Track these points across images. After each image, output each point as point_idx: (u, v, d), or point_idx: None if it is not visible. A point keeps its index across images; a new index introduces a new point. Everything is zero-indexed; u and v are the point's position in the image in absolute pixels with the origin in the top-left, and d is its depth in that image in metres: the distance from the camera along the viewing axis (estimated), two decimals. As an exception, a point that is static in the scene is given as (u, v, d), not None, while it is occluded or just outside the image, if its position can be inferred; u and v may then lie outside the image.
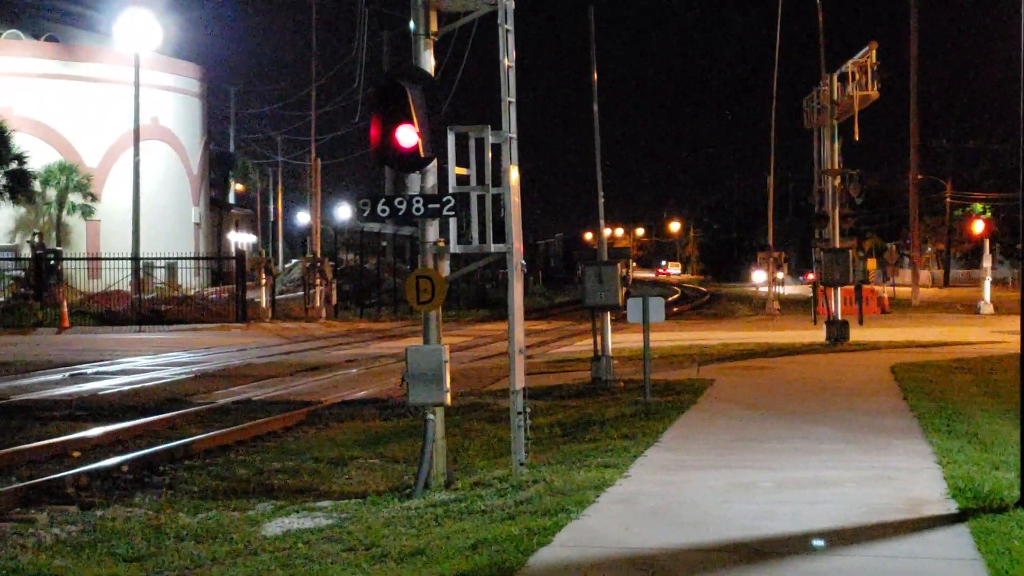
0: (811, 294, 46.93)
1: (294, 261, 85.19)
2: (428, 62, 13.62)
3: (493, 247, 13.57)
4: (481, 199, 13.55)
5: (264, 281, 59.63)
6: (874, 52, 34.07)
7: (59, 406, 22.87)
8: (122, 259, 57.10)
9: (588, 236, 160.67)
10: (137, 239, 57.34)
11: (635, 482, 12.99)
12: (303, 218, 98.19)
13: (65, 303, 51.16)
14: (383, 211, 13.54)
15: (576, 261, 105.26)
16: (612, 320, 24.80)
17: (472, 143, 13.53)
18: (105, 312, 53.68)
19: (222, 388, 25.93)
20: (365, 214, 13.79)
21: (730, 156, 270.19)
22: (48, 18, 75.21)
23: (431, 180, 13.57)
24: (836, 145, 34.57)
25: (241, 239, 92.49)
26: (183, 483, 14.86)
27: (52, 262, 57.25)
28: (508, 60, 13.71)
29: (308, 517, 12.26)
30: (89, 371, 30.37)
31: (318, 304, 57.71)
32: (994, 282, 57.12)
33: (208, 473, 15.56)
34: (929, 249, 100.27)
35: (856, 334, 34.42)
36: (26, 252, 61.75)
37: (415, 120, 12.96)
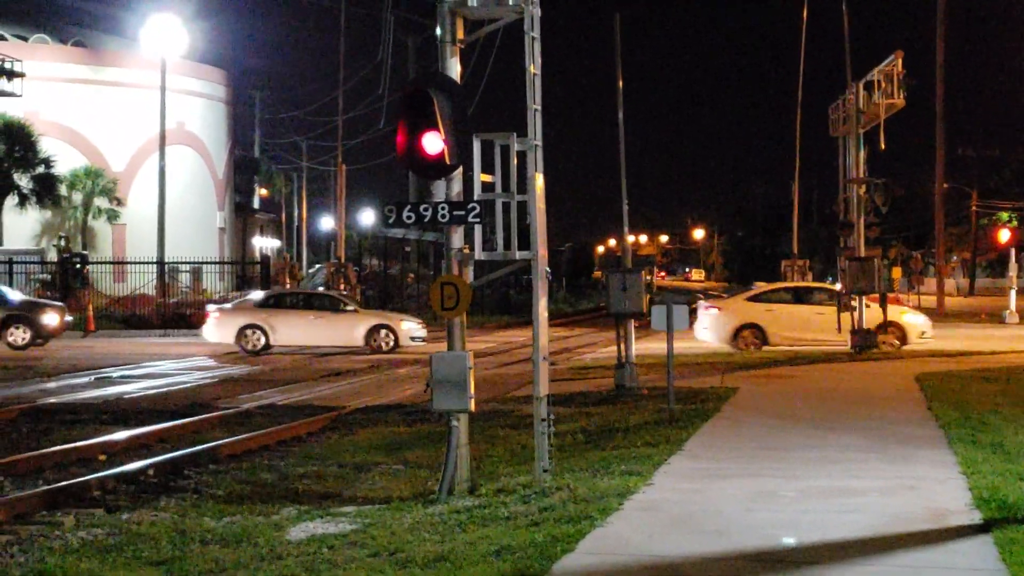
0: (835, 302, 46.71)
1: (318, 266, 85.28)
2: (454, 69, 13.66)
3: (518, 254, 13.59)
4: (506, 206, 13.58)
5: (288, 286, 59.75)
6: (900, 60, 34.01)
7: (85, 409, 22.97)
8: (147, 263, 57.31)
9: (600, 247, 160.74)
10: (162, 243, 57.55)
11: (659, 490, 13.00)
12: (327, 223, 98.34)
13: (91, 307, 51.37)
14: (409, 218, 13.58)
15: (583, 272, 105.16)
16: (635, 327, 24.79)
17: (497, 150, 13.56)
18: (130, 316, 53.90)
19: (247, 392, 26.02)
20: (390, 220, 13.83)
21: (755, 163, 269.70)
22: (75, 23, 75.54)
23: (456, 187, 13.60)
24: (862, 153, 34.51)
25: (266, 244, 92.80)
26: (208, 487, 14.91)
27: (78, 266, 57.48)
28: (534, 67, 13.74)
29: (332, 522, 12.29)
30: (114, 375, 30.50)
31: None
32: (1020, 291, 56.85)
33: (233, 477, 15.61)
34: (955, 258, 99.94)
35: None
36: (52, 256, 62.01)
37: (441, 127, 13.00)
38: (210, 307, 41.24)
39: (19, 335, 40.62)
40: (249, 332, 38.05)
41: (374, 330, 38.46)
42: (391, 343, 38.35)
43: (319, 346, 38.88)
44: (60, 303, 44.95)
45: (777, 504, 12.19)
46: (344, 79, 66.50)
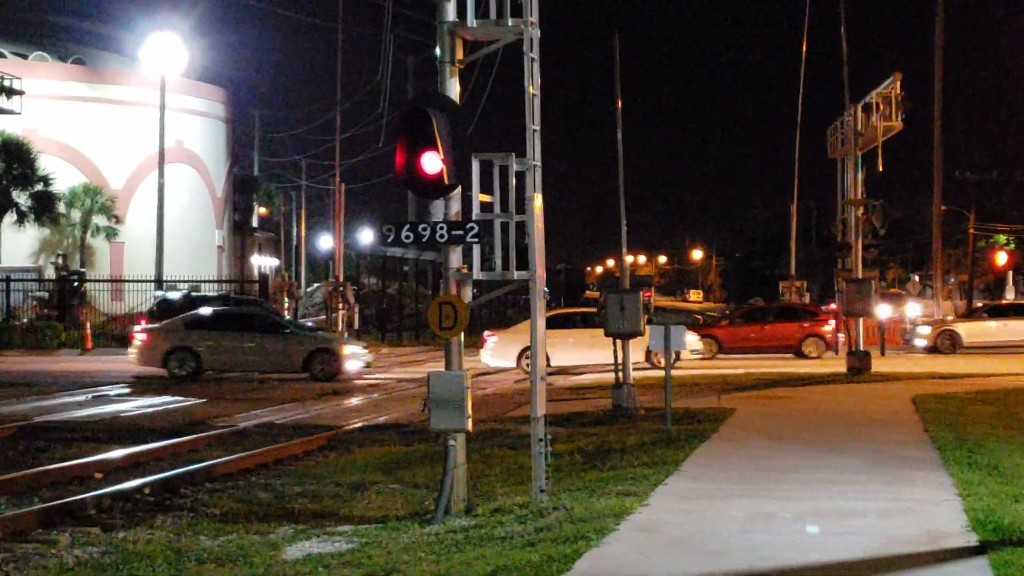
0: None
1: (316, 285, 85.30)
2: (453, 89, 13.69)
3: (516, 274, 13.61)
4: (504, 226, 13.61)
5: (287, 305, 59.78)
6: (898, 83, 34.07)
7: (81, 428, 22.96)
8: (145, 281, 57.34)
9: (590, 268, 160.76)
10: (160, 262, 57.58)
11: (656, 511, 12.99)
12: (326, 242, 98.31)
13: (88, 325, 51.37)
14: (407, 237, 13.60)
15: (574, 292, 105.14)
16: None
17: (496, 170, 13.59)
18: (128, 334, 53.85)
19: (243, 411, 26.00)
20: (389, 240, 13.85)
21: (754, 184, 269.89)
22: (75, 41, 75.63)
23: (455, 206, 13.62)
24: (860, 175, 34.55)
25: (264, 262, 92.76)
26: (204, 506, 14.90)
27: (76, 284, 57.53)
28: (533, 88, 13.78)
29: (328, 541, 12.28)
30: (111, 393, 30.49)
31: (340, 328, 57.77)
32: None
33: (229, 496, 15.59)
34: (952, 280, 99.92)
35: (878, 365, 34.33)
36: (50, 273, 62.05)
37: (440, 147, 13.02)
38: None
39: None
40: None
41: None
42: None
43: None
44: None
45: (774, 526, 12.18)
46: (343, 98, 66.67)
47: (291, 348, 35.44)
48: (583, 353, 36.80)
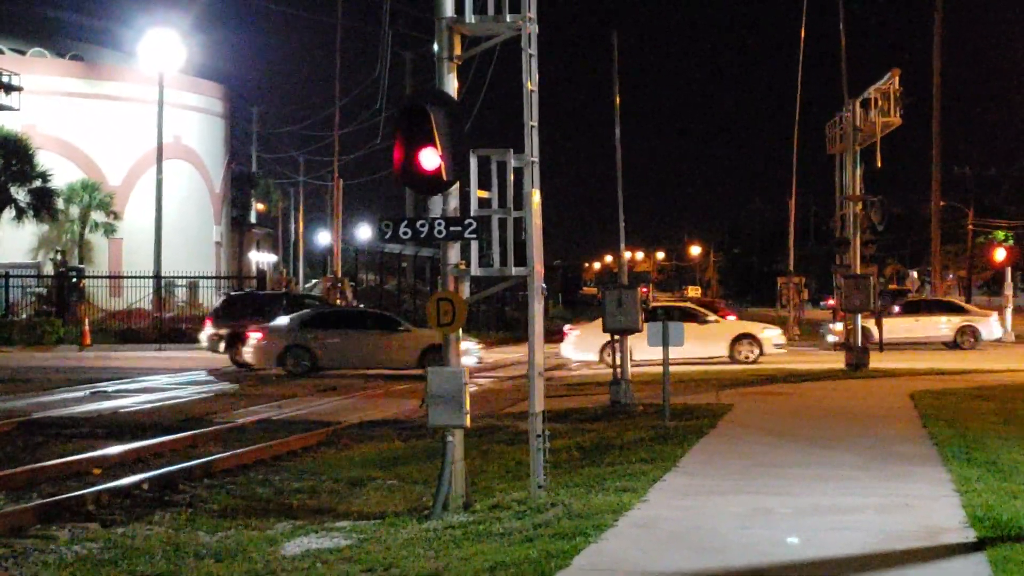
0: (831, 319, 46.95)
1: (314, 281, 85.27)
2: (451, 85, 13.69)
3: (514, 270, 13.62)
4: (502, 222, 13.61)
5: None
6: (897, 79, 34.07)
7: (80, 423, 22.97)
8: (144, 277, 57.33)
9: (587, 264, 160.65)
10: (159, 258, 57.58)
11: (654, 506, 13.01)
12: (324, 238, 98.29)
13: (87, 321, 51.36)
14: (405, 233, 13.60)
15: (571, 289, 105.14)
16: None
17: (494, 166, 13.59)
18: (126, 330, 53.89)
19: (242, 407, 26.01)
20: (387, 236, 13.85)
21: (752, 180, 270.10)
22: (73, 37, 75.58)
23: (453, 203, 13.62)
24: (858, 171, 34.55)
25: (262, 258, 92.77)
26: (203, 502, 14.91)
27: (74, 280, 57.52)
28: (531, 84, 13.77)
29: (327, 537, 12.29)
30: (110, 389, 30.50)
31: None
32: (1016, 310, 56.91)
33: (228, 492, 15.60)
34: (951, 276, 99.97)
35: (876, 360, 34.33)
36: (48, 269, 62.04)
37: (438, 143, 13.03)
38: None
39: None
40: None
41: None
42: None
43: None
44: None
45: (772, 521, 12.19)
46: (341, 94, 66.70)
47: (407, 344, 35.57)
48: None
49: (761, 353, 37.66)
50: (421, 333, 35.70)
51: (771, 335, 38.42)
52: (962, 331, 46.54)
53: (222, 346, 38.48)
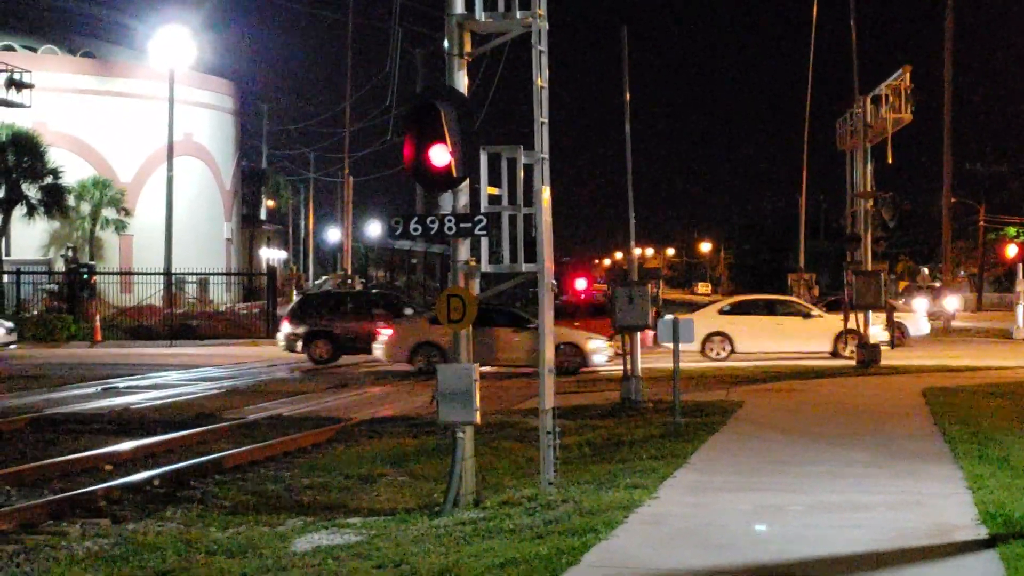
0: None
1: (324, 278, 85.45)
2: (461, 82, 13.69)
3: (524, 267, 13.62)
4: (513, 219, 13.61)
5: (295, 297, 59.80)
6: (908, 75, 33.99)
7: (91, 420, 23.00)
8: (154, 274, 57.36)
9: (597, 260, 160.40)
10: (169, 254, 57.58)
11: (664, 503, 13.00)
12: (334, 235, 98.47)
13: (98, 317, 51.40)
14: (415, 230, 13.60)
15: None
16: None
17: (504, 163, 13.59)
18: (137, 326, 53.95)
19: (253, 404, 26.02)
20: (397, 232, 13.85)
21: (763, 177, 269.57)
22: (84, 34, 75.65)
23: (463, 199, 13.62)
24: (869, 167, 34.49)
25: (272, 255, 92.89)
26: (214, 498, 14.92)
27: (85, 276, 57.54)
28: (541, 81, 13.77)
29: (337, 533, 12.30)
30: (121, 385, 30.53)
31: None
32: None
33: (238, 488, 15.61)
34: (962, 273, 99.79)
35: (887, 357, 34.27)
36: (60, 266, 62.08)
37: (448, 140, 13.03)
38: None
39: None
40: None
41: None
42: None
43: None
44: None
45: (783, 518, 12.18)
46: (352, 91, 66.76)
47: (534, 340, 35.17)
48: (769, 341, 37.18)
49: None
50: (560, 332, 35.43)
51: (875, 332, 38.09)
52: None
53: (299, 345, 38.56)
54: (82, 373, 34.18)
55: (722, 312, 39.02)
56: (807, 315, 38.37)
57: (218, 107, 75.21)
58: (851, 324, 34.48)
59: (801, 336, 37.07)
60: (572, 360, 34.86)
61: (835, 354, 37.10)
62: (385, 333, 35.58)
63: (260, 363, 39.37)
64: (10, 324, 43.71)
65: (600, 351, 35.25)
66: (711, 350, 37.38)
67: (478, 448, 14.29)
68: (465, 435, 13.46)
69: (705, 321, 37.28)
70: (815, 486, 13.97)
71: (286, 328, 38.95)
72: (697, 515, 12.36)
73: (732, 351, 37.18)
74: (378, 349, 35.55)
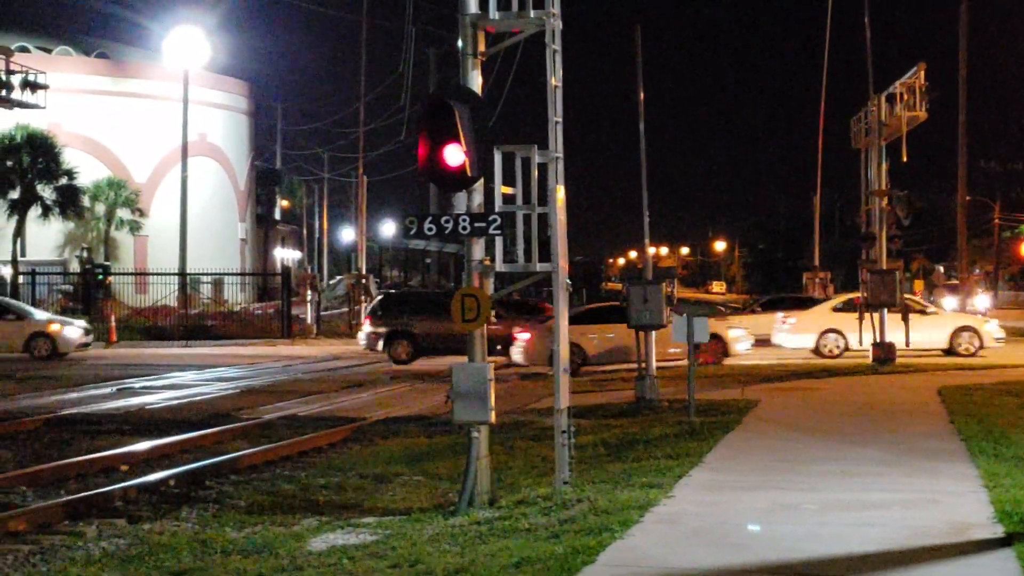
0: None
1: (339, 277, 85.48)
2: (475, 81, 13.69)
3: (539, 266, 13.61)
4: (527, 218, 13.60)
5: (309, 297, 59.89)
6: (923, 73, 33.90)
7: (107, 420, 23.06)
8: (169, 274, 57.51)
9: (610, 260, 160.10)
10: (184, 255, 57.72)
11: (679, 502, 13.00)
12: (348, 235, 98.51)
13: (113, 318, 51.53)
14: (430, 229, 13.61)
15: (592, 285, 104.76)
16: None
17: (518, 162, 13.58)
18: (152, 327, 54.10)
19: (268, 404, 26.06)
20: (412, 232, 13.85)
21: (777, 175, 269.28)
22: (98, 35, 75.89)
23: (477, 199, 13.62)
24: (884, 166, 34.40)
25: (287, 255, 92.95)
26: (229, 498, 14.95)
27: (100, 277, 57.70)
28: (556, 80, 13.76)
29: (353, 533, 12.32)
30: (136, 385, 30.60)
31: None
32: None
33: (254, 488, 15.64)
34: (977, 271, 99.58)
35: (902, 355, 34.18)
36: (75, 267, 62.28)
37: (462, 139, 13.03)
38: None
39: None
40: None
41: None
42: None
43: None
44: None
45: (798, 517, 12.17)
46: (365, 91, 66.73)
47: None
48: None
49: (981, 346, 36.92)
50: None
51: (991, 329, 37.88)
52: None
53: (380, 345, 38.61)
54: (97, 373, 34.26)
55: (836, 309, 38.95)
56: (924, 312, 38.24)
57: (232, 107, 75.36)
58: (965, 320, 34.84)
59: (921, 331, 36.72)
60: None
61: (951, 351, 37.02)
62: (523, 337, 35.43)
63: (275, 363, 39.42)
64: (86, 324, 43.73)
65: (742, 340, 35.79)
66: (825, 347, 37.37)
67: (493, 447, 14.29)
68: (480, 434, 13.46)
69: (819, 319, 37.82)
70: (830, 484, 13.95)
71: (367, 327, 39.01)
72: (712, 514, 12.35)
73: (846, 348, 37.02)
74: (516, 353, 35.43)
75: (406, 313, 38.88)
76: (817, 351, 37.16)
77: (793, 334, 38.45)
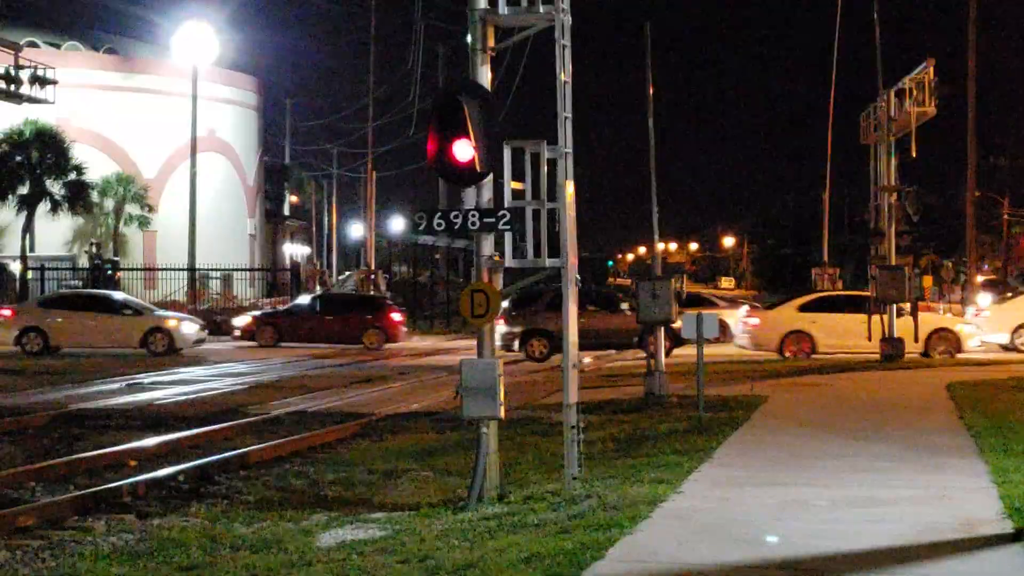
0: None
1: (348, 273, 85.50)
2: (484, 76, 13.68)
3: (548, 261, 13.60)
4: (536, 213, 13.58)
5: (318, 291, 59.93)
6: (932, 68, 33.88)
7: (116, 415, 23.08)
8: (178, 270, 57.57)
9: (619, 255, 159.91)
10: (193, 250, 57.76)
11: (688, 498, 12.98)
12: (357, 230, 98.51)
13: (121, 313, 51.52)
14: (439, 225, 13.60)
15: (597, 280, 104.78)
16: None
17: (528, 157, 13.57)
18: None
19: (277, 399, 26.07)
20: (421, 227, 13.84)
21: (786, 171, 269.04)
22: (107, 30, 75.89)
23: (487, 194, 13.61)
24: (893, 161, 34.40)
25: (296, 251, 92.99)
26: (238, 493, 14.96)
27: (109, 272, 57.79)
28: (565, 75, 13.74)
29: (362, 529, 12.32)
30: (145, 381, 30.62)
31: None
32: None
33: (263, 484, 15.65)
34: (986, 267, 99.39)
35: (911, 351, 34.15)
36: (84, 262, 62.33)
37: (472, 135, 13.02)
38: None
39: None
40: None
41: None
42: None
43: None
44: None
45: (807, 513, 12.16)
46: (374, 86, 66.79)
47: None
48: None
49: (959, 350, 36.60)
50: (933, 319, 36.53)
51: (969, 331, 37.76)
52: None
53: (516, 344, 38.54)
54: (106, 369, 34.29)
55: (802, 309, 38.82)
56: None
57: (241, 103, 75.39)
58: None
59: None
60: (947, 346, 35.03)
61: (1008, 347, 37.01)
62: (752, 323, 36.33)
63: (284, 358, 39.41)
64: (202, 321, 43.70)
65: (973, 336, 35.67)
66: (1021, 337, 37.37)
67: (502, 443, 14.29)
68: (489, 430, 13.46)
69: (783, 320, 37.32)
70: (839, 480, 13.93)
71: (502, 327, 38.87)
72: (722, 510, 12.34)
73: (814, 351, 36.65)
74: (743, 338, 36.24)
75: (540, 311, 38.69)
76: (1013, 345, 36.77)
77: (990, 328, 37.59)
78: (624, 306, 38.32)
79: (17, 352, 39.83)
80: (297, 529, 12.38)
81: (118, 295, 45.62)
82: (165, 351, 40.09)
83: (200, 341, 41.94)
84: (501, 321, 39.56)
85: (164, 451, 18.34)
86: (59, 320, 40.99)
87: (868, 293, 35.37)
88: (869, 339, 33.67)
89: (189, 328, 41.34)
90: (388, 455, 17.66)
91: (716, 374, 28.57)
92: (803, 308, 36.80)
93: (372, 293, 58.48)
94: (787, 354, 35.18)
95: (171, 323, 41.10)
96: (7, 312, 42.22)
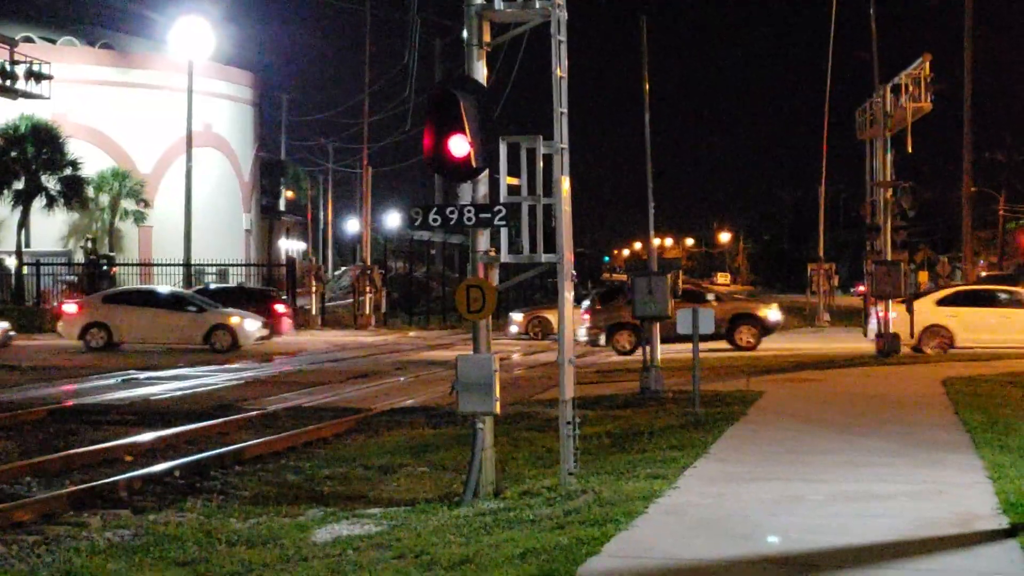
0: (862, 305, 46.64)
1: (344, 268, 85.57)
2: (480, 72, 13.67)
3: (544, 257, 13.59)
4: (532, 209, 13.58)
5: (314, 288, 59.93)
6: (928, 64, 33.87)
7: (112, 410, 23.07)
8: (174, 265, 57.52)
9: (614, 251, 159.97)
10: (189, 245, 57.72)
11: (684, 493, 12.99)
12: (353, 226, 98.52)
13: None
14: (435, 220, 13.60)
15: (590, 276, 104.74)
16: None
17: (523, 153, 13.56)
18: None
19: (273, 394, 26.08)
20: (417, 223, 13.85)
21: (782, 166, 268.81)
22: (103, 25, 75.77)
23: (482, 189, 13.60)
24: (888, 157, 34.39)
25: (291, 246, 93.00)
26: (234, 488, 14.96)
27: (105, 267, 57.76)
28: (561, 71, 13.74)
29: (357, 524, 12.31)
30: (141, 376, 30.62)
31: (367, 312, 57.89)
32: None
33: (259, 479, 15.65)
34: (982, 262, 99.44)
35: (907, 346, 34.18)
36: (79, 257, 62.30)
37: (467, 130, 13.01)
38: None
39: None
40: None
41: None
42: None
43: None
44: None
45: (803, 508, 12.16)
46: (370, 81, 66.69)
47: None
48: None
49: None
50: None
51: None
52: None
53: (602, 339, 38.48)
54: (102, 364, 34.28)
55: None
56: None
57: (237, 98, 75.32)
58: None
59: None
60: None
61: None
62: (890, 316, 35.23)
63: (281, 354, 39.39)
64: (263, 319, 43.44)
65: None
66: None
67: (498, 438, 14.30)
68: (485, 425, 13.46)
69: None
70: (836, 476, 13.94)
71: (586, 323, 38.78)
72: (717, 505, 12.35)
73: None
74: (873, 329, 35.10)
75: (624, 305, 38.64)
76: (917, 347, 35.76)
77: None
78: (710, 297, 38.66)
79: (79, 346, 40.06)
80: (292, 524, 12.38)
81: (183, 292, 45.61)
82: (228, 348, 40.07)
83: (263, 338, 41.96)
84: (586, 316, 39.48)
85: (160, 446, 18.36)
86: (123, 316, 41.10)
87: (1011, 288, 35.42)
88: None
89: (251, 325, 41.33)
90: (384, 450, 17.66)
91: (712, 369, 28.59)
92: (942, 302, 36.60)
93: (367, 289, 58.36)
94: (926, 349, 34.92)
95: (234, 320, 41.09)
96: (74, 307, 42.24)
